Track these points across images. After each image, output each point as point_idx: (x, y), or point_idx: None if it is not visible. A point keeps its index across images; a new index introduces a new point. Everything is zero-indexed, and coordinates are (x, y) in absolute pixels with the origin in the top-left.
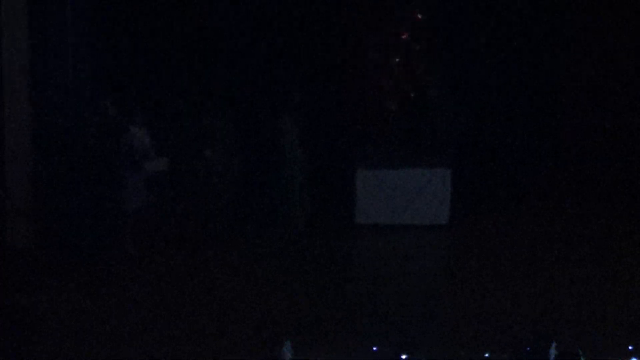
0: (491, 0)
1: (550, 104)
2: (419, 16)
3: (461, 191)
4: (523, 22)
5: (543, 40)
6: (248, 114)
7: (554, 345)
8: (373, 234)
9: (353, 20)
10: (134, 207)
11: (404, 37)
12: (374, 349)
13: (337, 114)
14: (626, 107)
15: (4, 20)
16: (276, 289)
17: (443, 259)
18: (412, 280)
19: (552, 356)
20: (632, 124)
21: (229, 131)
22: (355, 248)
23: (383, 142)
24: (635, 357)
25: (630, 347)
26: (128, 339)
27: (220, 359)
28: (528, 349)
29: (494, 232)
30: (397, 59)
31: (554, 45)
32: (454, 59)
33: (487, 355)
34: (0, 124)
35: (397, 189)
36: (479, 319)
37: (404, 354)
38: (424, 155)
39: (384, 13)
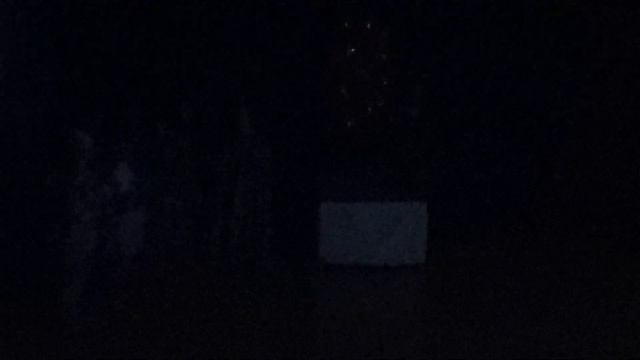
0: (461, 26)
1: (528, 134)
2: (389, 48)
3: (439, 227)
4: (493, 54)
5: (515, 69)
6: (204, 142)
7: None
8: (339, 275)
9: (320, 49)
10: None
11: (374, 64)
12: None
13: (301, 141)
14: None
15: None
16: (234, 335)
17: (419, 304)
18: (382, 328)
19: None
20: (604, 163)
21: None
22: (319, 291)
23: (350, 171)
24: None
25: None
26: None
27: None
28: None
29: (475, 273)
30: (368, 85)
31: (526, 74)
32: (429, 87)
33: None
34: None
35: (367, 224)
36: None
37: None
38: (397, 186)
39: (349, 42)
